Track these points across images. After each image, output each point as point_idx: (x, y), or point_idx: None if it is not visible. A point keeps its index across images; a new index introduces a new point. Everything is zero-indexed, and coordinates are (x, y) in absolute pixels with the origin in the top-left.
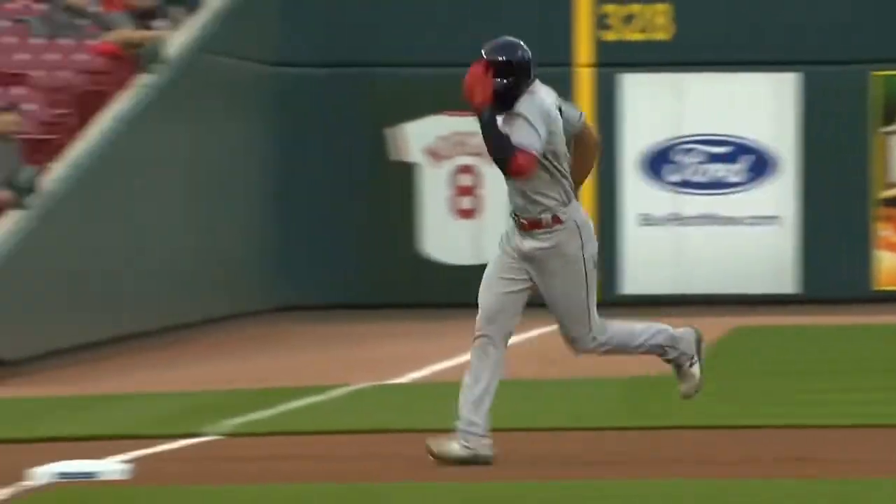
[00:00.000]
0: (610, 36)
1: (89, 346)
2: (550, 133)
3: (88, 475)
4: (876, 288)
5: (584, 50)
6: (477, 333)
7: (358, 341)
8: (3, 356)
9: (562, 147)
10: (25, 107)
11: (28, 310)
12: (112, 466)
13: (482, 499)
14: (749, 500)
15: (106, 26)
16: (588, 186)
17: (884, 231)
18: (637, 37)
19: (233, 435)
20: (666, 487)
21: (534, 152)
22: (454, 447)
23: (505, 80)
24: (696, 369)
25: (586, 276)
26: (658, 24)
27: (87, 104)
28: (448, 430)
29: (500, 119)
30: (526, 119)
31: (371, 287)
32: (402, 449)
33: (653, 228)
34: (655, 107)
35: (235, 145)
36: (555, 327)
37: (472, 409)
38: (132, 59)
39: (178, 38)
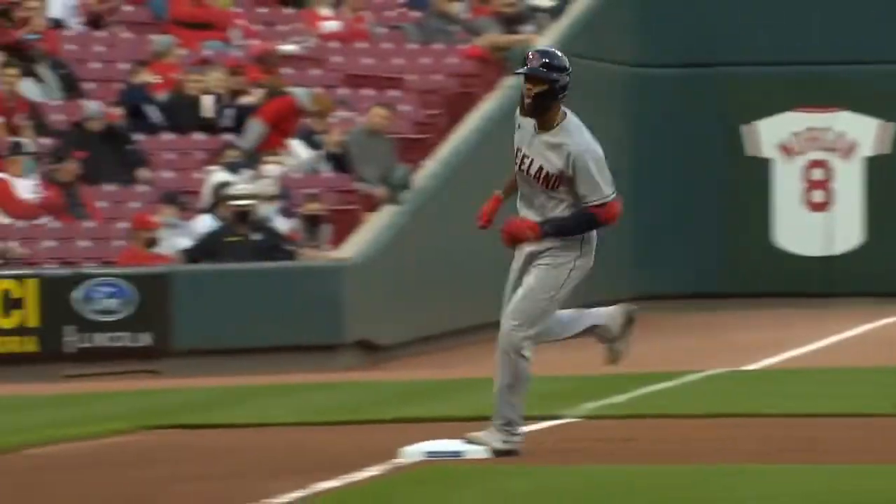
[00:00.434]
0: None
1: (454, 333)
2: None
3: (455, 454)
4: None
5: None
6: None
7: (713, 329)
8: (376, 342)
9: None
10: (400, 108)
11: (400, 299)
12: (477, 446)
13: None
14: None
15: (475, 31)
16: None
17: None
18: None
19: (590, 417)
20: None
21: (612, 199)
22: None
23: (542, 90)
24: (618, 345)
25: (562, 285)
26: None
27: (457, 105)
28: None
29: (536, 135)
30: (590, 169)
31: (726, 277)
32: (752, 432)
33: None
34: None
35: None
36: None
37: None
38: (499, 63)
39: (542, 42)
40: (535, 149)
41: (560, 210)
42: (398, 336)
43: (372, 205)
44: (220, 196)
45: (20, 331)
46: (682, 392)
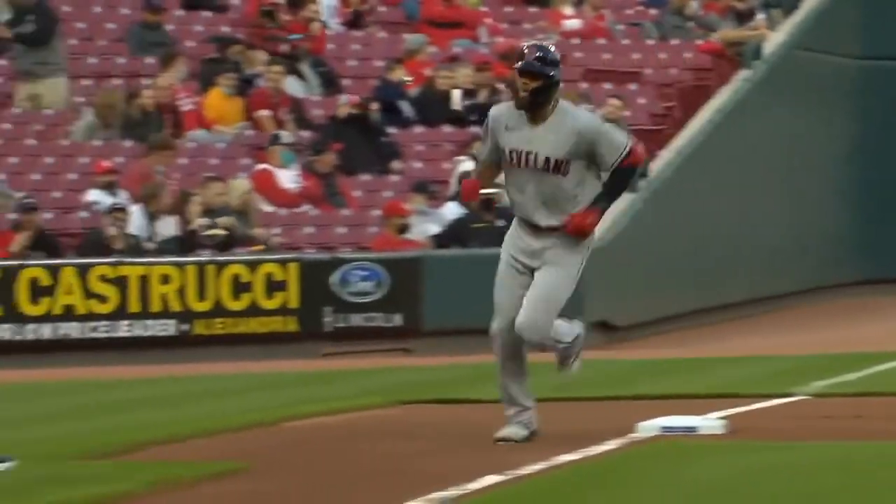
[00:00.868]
0: None
1: (689, 314)
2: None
3: (689, 429)
4: None
5: None
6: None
7: None
8: (615, 322)
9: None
10: (638, 101)
11: (636, 282)
12: (711, 422)
13: None
14: None
15: (709, 27)
16: None
17: None
18: None
19: (821, 395)
20: None
21: (631, 144)
22: None
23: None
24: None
25: (577, 272)
26: None
27: (692, 98)
28: None
29: (533, 126)
30: (602, 132)
31: None
32: None
33: None
34: None
35: (824, 132)
36: None
37: None
38: (733, 57)
39: (775, 37)
40: (537, 142)
41: (575, 185)
42: (635, 317)
43: None
44: None
45: (282, 311)
46: None
